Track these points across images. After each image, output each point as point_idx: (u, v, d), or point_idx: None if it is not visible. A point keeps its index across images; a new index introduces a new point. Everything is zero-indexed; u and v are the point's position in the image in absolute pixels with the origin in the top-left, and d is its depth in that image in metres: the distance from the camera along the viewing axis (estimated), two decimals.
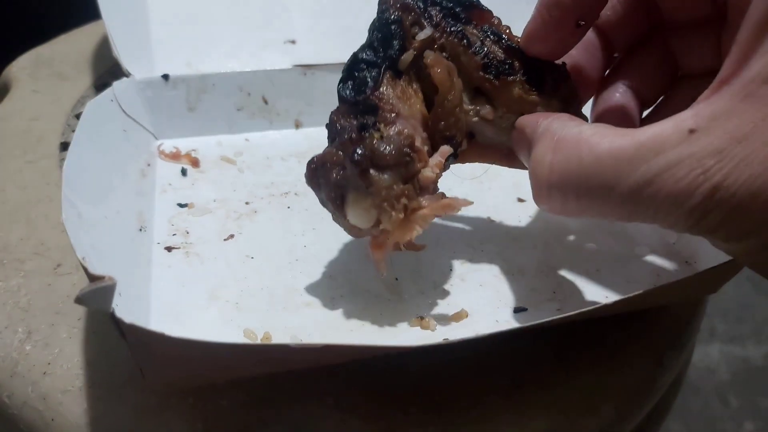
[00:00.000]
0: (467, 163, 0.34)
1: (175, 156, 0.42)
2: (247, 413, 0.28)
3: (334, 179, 0.28)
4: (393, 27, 0.30)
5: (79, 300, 0.22)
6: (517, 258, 0.35)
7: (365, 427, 0.28)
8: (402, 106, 0.29)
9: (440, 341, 0.25)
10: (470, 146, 0.32)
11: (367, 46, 0.30)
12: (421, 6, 0.30)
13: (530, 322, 0.26)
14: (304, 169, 0.42)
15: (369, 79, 0.29)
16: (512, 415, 0.29)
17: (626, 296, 0.27)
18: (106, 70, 0.46)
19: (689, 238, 0.36)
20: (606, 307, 0.28)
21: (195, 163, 0.42)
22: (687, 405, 1.00)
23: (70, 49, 0.50)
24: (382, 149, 0.27)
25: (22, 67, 0.48)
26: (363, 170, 0.27)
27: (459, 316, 0.31)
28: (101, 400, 0.28)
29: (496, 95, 0.30)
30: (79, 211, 0.27)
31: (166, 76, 0.43)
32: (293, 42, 0.47)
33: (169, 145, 0.42)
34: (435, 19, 0.30)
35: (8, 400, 0.29)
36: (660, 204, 0.23)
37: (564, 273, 0.35)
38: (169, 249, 0.34)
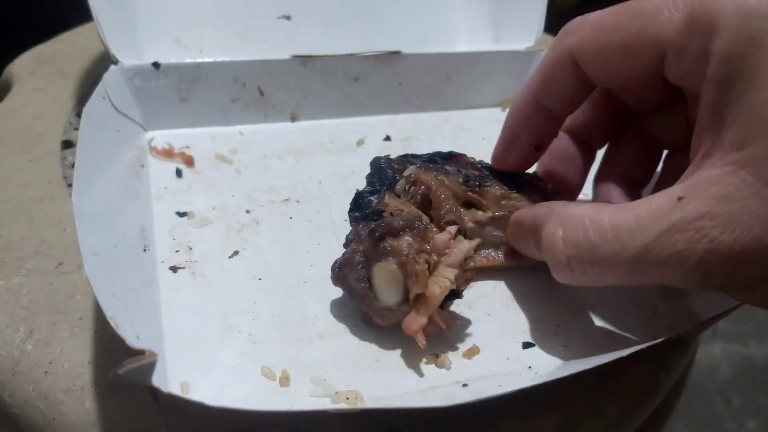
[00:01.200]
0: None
1: (167, 153, 0.41)
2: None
3: (357, 261, 0.30)
4: (383, 164, 0.37)
5: (121, 377, 0.22)
6: (521, 282, 0.35)
7: (366, 427, 0.28)
8: (404, 207, 0.33)
9: (467, 400, 0.25)
10: (476, 252, 0.34)
11: (367, 185, 0.36)
12: (403, 160, 0.37)
13: (539, 380, 0.27)
14: (302, 169, 0.43)
15: (373, 199, 0.34)
16: (516, 416, 0.29)
17: (622, 354, 0.28)
18: (107, 68, 0.46)
19: None
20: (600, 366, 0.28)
21: (189, 162, 0.41)
22: (689, 404, 0.99)
23: (71, 47, 0.50)
24: (394, 222, 0.30)
25: (23, 65, 0.48)
26: (380, 237, 0.30)
27: (471, 353, 0.31)
28: (103, 399, 0.28)
29: (482, 200, 0.35)
30: (99, 259, 0.27)
31: (156, 65, 0.42)
32: (288, 17, 0.47)
33: (161, 140, 0.42)
34: (417, 164, 0.36)
35: (9, 399, 0.28)
36: (664, 266, 0.25)
37: (567, 302, 0.35)
38: (174, 269, 0.34)
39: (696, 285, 0.26)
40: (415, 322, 0.29)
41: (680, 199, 0.25)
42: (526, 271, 0.35)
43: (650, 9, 0.28)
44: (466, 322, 0.33)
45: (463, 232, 0.32)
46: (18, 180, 0.38)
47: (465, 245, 0.30)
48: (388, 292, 0.29)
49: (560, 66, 0.31)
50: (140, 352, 0.22)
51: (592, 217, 0.27)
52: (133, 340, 0.23)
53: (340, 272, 0.31)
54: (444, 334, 0.31)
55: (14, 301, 0.31)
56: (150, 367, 0.22)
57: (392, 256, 0.29)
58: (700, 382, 1.03)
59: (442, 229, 0.32)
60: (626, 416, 0.32)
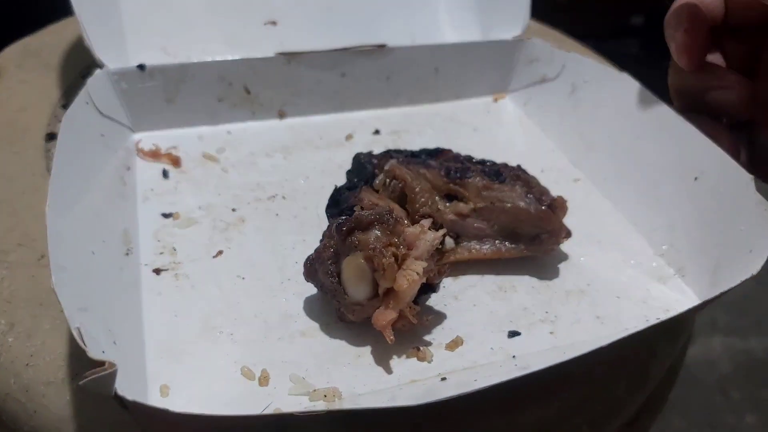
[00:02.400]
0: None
1: (154, 154, 0.41)
2: None
3: (326, 256, 0.30)
4: (364, 160, 0.36)
5: (82, 388, 0.22)
6: (509, 271, 0.35)
7: (338, 427, 0.27)
8: (379, 202, 0.33)
9: (443, 396, 0.24)
10: (457, 245, 0.35)
11: (346, 181, 0.36)
12: (385, 155, 0.37)
13: (517, 372, 0.26)
14: (289, 166, 0.42)
15: (349, 195, 0.33)
16: (499, 408, 0.29)
17: (614, 340, 0.27)
18: (94, 61, 0.46)
19: (678, 248, 0.36)
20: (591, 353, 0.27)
21: (176, 162, 0.41)
22: (688, 398, 0.99)
23: (57, 39, 0.50)
24: (363, 214, 0.30)
25: (9, 57, 0.48)
26: (348, 231, 0.29)
27: (454, 344, 0.31)
28: (84, 391, 0.28)
29: (464, 192, 0.35)
30: (68, 269, 0.27)
31: (142, 66, 0.42)
32: (274, 23, 0.47)
33: (147, 141, 0.42)
34: (399, 159, 0.36)
35: None
36: None
37: (556, 289, 0.34)
38: (157, 271, 0.33)
39: None
40: (384, 316, 0.28)
41: None
42: (511, 262, 0.35)
43: None
44: (441, 317, 0.32)
45: (438, 226, 0.32)
46: (1, 172, 0.38)
47: (430, 236, 0.30)
48: (356, 287, 0.29)
49: None
50: (100, 364, 0.22)
51: None
52: (95, 351, 0.22)
53: (311, 268, 0.31)
54: (427, 326, 0.31)
55: None
56: (111, 378, 0.22)
57: (360, 250, 0.29)
58: (699, 376, 1.03)
59: (417, 222, 0.31)
60: (615, 406, 0.32)
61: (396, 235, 0.30)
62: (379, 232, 0.29)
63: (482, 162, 0.36)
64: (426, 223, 0.31)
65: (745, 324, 1.12)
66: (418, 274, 0.29)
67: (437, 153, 0.38)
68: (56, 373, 0.28)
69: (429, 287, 0.31)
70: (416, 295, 0.30)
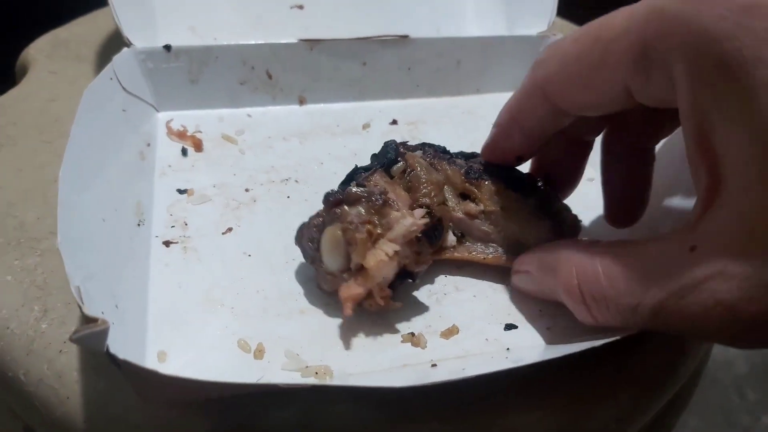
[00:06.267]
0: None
1: (181, 135, 0.41)
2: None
3: (314, 223, 0.31)
4: (390, 146, 0.35)
5: (74, 341, 0.22)
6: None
7: (374, 412, 0.28)
8: (388, 186, 0.32)
9: (433, 381, 0.25)
10: (459, 243, 0.34)
11: (370, 163, 0.35)
12: (417, 146, 0.36)
13: (517, 363, 0.26)
14: (305, 151, 0.43)
15: (363, 175, 0.33)
16: (525, 402, 0.29)
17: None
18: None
19: None
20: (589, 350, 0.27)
21: (198, 146, 0.41)
22: (704, 398, 0.99)
23: (87, 31, 0.51)
24: (354, 189, 0.30)
25: (40, 48, 0.48)
26: (335, 203, 0.30)
27: (449, 332, 0.31)
28: (117, 378, 0.28)
29: (479, 194, 0.34)
30: (75, 231, 0.27)
31: (168, 47, 0.42)
32: (300, 7, 0.47)
33: (176, 122, 0.42)
34: (426, 151, 0.35)
35: (24, 377, 0.29)
36: (684, 325, 0.24)
37: None
38: (167, 244, 0.34)
39: (728, 342, 0.23)
40: (349, 289, 0.29)
41: (693, 249, 0.23)
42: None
43: (605, 37, 0.26)
44: (422, 307, 0.32)
45: (436, 219, 0.32)
46: (33, 161, 0.38)
47: (408, 221, 0.30)
48: (331, 257, 0.30)
49: (533, 98, 0.30)
50: (93, 320, 0.22)
51: (606, 269, 0.26)
52: (93, 310, 0.23)
53: (299, 233, 0.32)
54: (396, 311, 0.31)
55: (29, 280, 0.31)
56: (102, 335, 0.22)
57: (339, 222, 0.30)
58: (716, 376, 1.02)
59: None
60: (641, 405, 0.31)
61: (382, 216, 0.30)
62: (363, 209, 0.30)
63: (509, 169, 0.35)
64: (419, 212, 0.31)
65: None
66: (387, 255, 0.29)
67: (472, 155, 0.37)
68: (89, 360, 0.29)
69: (407, 274, 0.31)
70: (393, 280, 0.30)
